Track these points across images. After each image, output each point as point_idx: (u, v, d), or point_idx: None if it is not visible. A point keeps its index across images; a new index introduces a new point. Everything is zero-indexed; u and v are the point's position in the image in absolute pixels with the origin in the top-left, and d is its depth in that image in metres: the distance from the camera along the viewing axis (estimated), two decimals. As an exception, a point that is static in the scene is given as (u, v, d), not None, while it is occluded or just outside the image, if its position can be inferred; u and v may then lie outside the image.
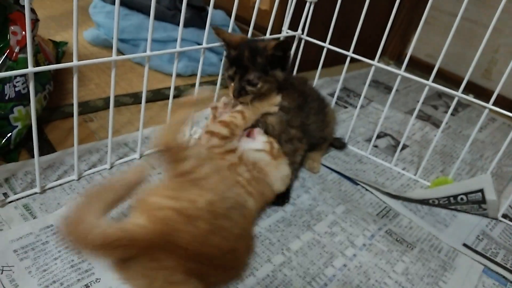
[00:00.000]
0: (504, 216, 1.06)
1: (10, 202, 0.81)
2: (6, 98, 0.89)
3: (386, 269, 0.84)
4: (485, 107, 1.01)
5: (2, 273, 0.67)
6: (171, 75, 0.96)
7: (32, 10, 1.02)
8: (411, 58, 1.05)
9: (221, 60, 1.15)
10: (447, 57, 0.97)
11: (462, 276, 0.86)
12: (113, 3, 1.53)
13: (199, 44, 1.45)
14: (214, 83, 1.20)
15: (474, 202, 1.00)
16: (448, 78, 1.76)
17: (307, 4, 1.16)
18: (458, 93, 1.03)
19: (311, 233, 0.89)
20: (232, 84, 0.88)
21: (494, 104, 1.00)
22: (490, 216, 1.04)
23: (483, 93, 0.96)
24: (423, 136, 1.42)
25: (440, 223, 1.00)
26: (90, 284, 0.69)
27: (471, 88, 1.71)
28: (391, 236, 0.93)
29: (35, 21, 1.03)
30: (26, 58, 0.69)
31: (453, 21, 0.97)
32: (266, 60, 0.86)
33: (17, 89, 0.91)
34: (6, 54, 0.90)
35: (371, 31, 1.22)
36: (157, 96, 1.29)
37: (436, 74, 1.03)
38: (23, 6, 0.89)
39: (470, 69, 0.98)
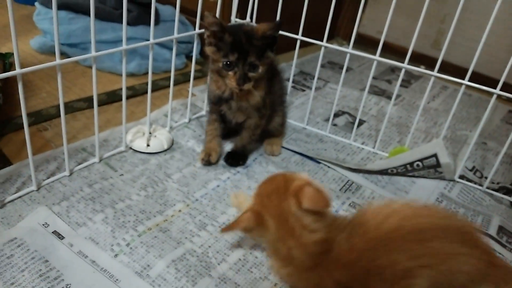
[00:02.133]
0: (461, 177, 1.11)
1: (-32, 220, 0.79)
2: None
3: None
4: (431, 75, 1.05)
5: (-34, 292, 0.66)
6: (126, 75, 0.95)
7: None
8: (364, 36, 1.09)
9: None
10: (397, 32, 1.01)
11: (424, 237, 0.90)
12: (58, 8, 1.49)
13: (150, 41, 1.44)
14: (169, 79, 1.19)
15: (430, 167, 1.05)
16: (400, 52, 1.80)
17: (253, -9, 1.17)
18: (405, 65, 1.07)
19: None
20: (231, 73, 0.88)
21: (444, 72, 1.04)
22: (447, 178, 1.09)
23: (434, 64, 1.01)
24: (379, 110, 1.46)
25: (400, 191, 1.04)
26: (60, 290, 0.69)
27: (423, 60, 1.77)
28: (354, 208, 0.96)
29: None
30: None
31: (398, -3, 1.00)
32: (262, 42, 0.88)
33: (-38, 104, 0.88)
34: None
35: (322, 13, 1.24)
36: (113, 97, 1.27)
37: (389, 49, 1.07)
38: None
39: (413, 41, 1.02)
